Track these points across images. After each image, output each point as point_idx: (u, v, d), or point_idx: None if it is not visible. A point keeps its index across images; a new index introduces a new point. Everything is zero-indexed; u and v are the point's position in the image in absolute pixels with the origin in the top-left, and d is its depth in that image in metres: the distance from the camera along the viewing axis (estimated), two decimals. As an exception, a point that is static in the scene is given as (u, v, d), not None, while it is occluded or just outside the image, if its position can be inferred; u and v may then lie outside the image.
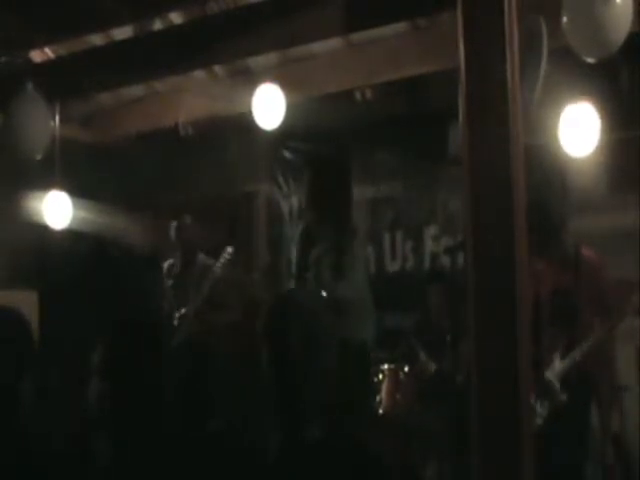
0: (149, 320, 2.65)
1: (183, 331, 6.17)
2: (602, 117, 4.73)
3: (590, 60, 3.87)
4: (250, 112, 5.50)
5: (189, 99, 6.82)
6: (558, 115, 4.71)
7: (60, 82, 5.36)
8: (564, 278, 5.25)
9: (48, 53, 5.80)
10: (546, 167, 5.54)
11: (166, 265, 6.62)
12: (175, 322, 6.31)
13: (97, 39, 5.67)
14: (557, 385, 5.05)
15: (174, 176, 7.74)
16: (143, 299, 6.64)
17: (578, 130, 4.67)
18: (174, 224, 6.57)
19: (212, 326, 6.21)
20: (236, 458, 2.61)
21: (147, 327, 2.61)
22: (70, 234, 6.39)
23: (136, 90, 6.91)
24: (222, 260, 6.35)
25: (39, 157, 5.25)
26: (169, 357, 2.62)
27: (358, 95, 6.32)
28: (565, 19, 3.80)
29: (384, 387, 5.90)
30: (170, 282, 6.55)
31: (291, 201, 7.76)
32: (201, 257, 6.51)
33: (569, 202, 5.86)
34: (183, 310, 6.31)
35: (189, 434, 2.73)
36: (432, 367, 6.03)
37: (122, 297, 6.51)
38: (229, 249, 6.39)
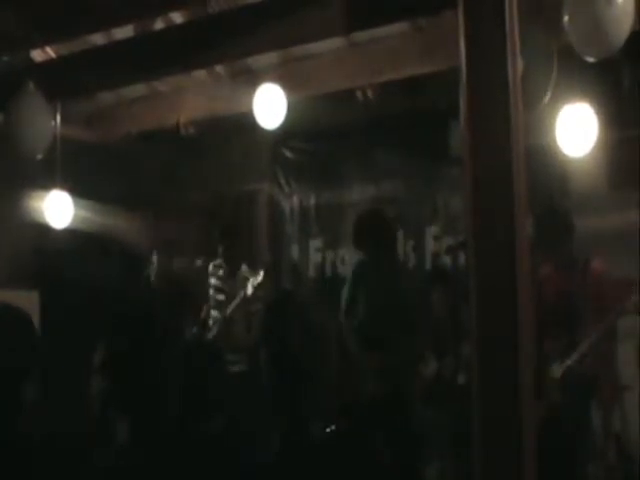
0: (151, 320, 2.65)
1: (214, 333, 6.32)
2: (601, 116, 4.73)
3: (591, 60, 3.87)
4: (251, 112, 5.51)
5: (190, 99, 6.82)
6: (557, 115, 4.71)
7: (61, 81, 5.35)
8: (570, 284, 5.27)
9: (49, 52, 5.80)
10: (547, 168, 5.55)
11: (211, 266, 6.65)
12: (210, 322, 6.48)
13: (98, 38, 5.67)
14: (556, 385, 5.07)
15: (175, 176, 7.74)
16: (145, 298, 6.63)
17: (577, 130, 4.68)
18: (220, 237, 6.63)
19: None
20: (238, 458, 2.61)
21: (149, 326, 2.61)
22: (71, 234, 6.39)
23: (137, 90, 6.91)
24: (254, 283, 6.38)
25: (40, 156, 5.25)
26: (172, 356, 2.62)
27: (359, 94, 6.32)
28: (566, 18, 3.80)
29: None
30: (212, 281, 6.60)
31: (292, 200, 7.76)
32: (244, 268, 6.57)
33: (575, 207, 5.86)
34: (215, 312, 6.40)
35: (191, 434, 2.74)
36: (434, 367, 6.03)
37: (123, 297, 6.51)
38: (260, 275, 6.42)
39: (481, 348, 2.88)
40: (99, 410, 2.55)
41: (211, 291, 6.61)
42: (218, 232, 6.71)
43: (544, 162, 5.46)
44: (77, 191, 6.19)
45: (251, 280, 6.34)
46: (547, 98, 3.92)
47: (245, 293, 6.32)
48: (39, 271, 6.87)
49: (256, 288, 6.31)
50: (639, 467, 5.26)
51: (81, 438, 2.70)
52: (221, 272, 6.61)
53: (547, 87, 3.96)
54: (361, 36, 5.86)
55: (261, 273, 6.37)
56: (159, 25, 5.59)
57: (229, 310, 6.38)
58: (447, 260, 6.83)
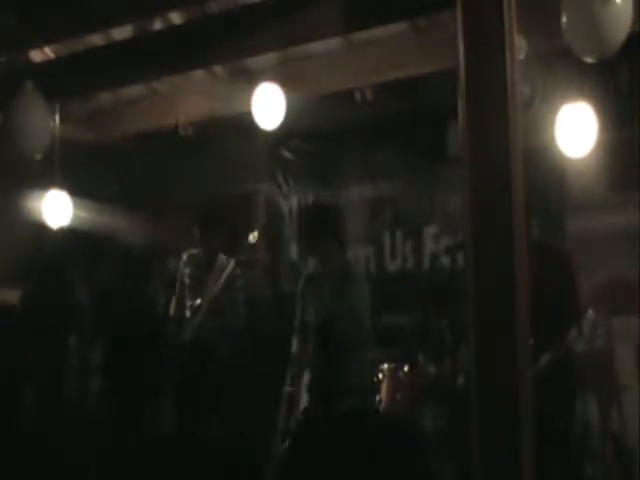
0: (150, 319, 2.66)
1: (195, 324, 6.16)
2: (600, 116, 4.74)
3: (589, 60, 3.87)
4: (250, 112, 5.50)
5: (189, 99, 6.82)
6: (556, 115, 4.72)
7: (60, 82, 5.36)
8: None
9: (48, 53, 5.80)
10: (546, 168, 5.55)
11: (185, 255, 6.40)
12: (187, 312, 6.24)
13: (97, 39, 5.67)
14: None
15: (174, 176, 7.74)
16: (143, 298, 6.64)
17: (576, 130, 4.68)
18: (199, 224, 6.48)
19: (222, 321, 6.15)
20: (234, 459, 2.62)
21: (148, 326, 2.61)
22: (70, 233, 6.39)
23: (136, 90, 6.91)
24: (241, 256, 6.25)
25: (39, 157, 5.26)
26: (171, 355, 2.63)
27: (358, 95, 6.32)
28: (564, 19, 3.81)
29: (384, 387, 5.89)
30: (187, 271, 6.36)
31: (291, 201, 7.76)
32: (221, 258, 6.45)
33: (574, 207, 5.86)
34: (198, 301, 6.25)
35: (190, 434, 2.74)
36: (432, 367, 6.03)
37: (122, 297, 6.52)
38: (251, 238, 6.28)
39: (479, 348, 2.88)
40: (98, 409, 2.55)
41: (187, 280, 6.38)
42: (195, 222, 6.53)
43: (543, 162, 5.46)
44: (76, 191, 6.19)
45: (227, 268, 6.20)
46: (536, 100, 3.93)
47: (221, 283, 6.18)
48: (38, 271, 6.87)
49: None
50: (638, 467, 5.27)
51: (79, 437, 2.71)
52: (197, 262, 6.33)
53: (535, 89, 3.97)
54: (360, 37, 5.86)
55: (232, 262, 6.25)
56: (158, 26, 5.59)
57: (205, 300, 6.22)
58: (446, 260, 6.84)
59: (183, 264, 6.39)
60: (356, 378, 4.84)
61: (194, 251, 6.40)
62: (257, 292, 6.63)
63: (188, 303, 6.28)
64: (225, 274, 6.19)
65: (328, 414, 3.37)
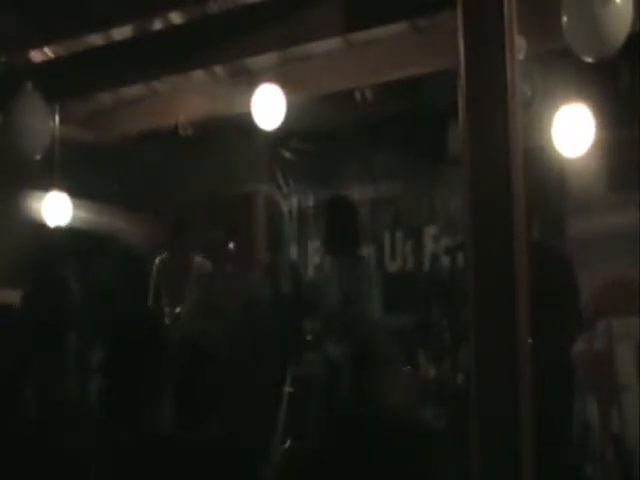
0: (148, 318, 2.66)
1: (177, 330, 6.08)
2: (600, 116, 4.74)
3: (589, 60, 3.87)
4: (250, 112, 5.51)
5: (189, 99, 6.82)
6: (556, 115, 4.72)
7: (60, 82, 5.36)
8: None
9: (48, 53, 5.81)
10: (546, 169, 5.55)
11: (158, 260, 6.38)
12: (167, 320, 6.16)
13: (97, 39, 5.67)
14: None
15: (173, 176, 7.74)
16: (140, 298, 6.63)
17: (575, 130, 4.68)
18: (172, 224, 6.45)
19: (207, 326, 6.11)
20: (231, 461, 2.62)
21: (147, 325, 2.61)
22: (70, 234, 6.39)
23: (136, 90, 6.92)
24: (220, 260, 6.23)
25: (39, 157, 5.26)
26: (168, 355, 2.63)
27: (358, 95, 6.33)
28: (565, 19, 3.80)
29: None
30: (162, 276, 6.33)
31: (291, 201, 7.76)
32: (197, 260, 6.39)
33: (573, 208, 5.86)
34: (177, 309, 6.20)
35: (187, 436, 2.74)
36: (432, 367, 6.03)
37: (122, 297, 6.51)
38: (230, 246, 6.27)
39: (479, 348, 2.88)
40: (99, 408, 2.55)
41: (162, 286, 6.32)
42: (170, 224, 6.49)
43: (543, 162, 5.46)
44: (76, 191, 6.19)
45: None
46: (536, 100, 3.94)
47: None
48: (37, 271, 6.87)
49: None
50: (638, 467, 5.26)
51: (78, 437, 2.71)
52: (170, 266, 6.29)
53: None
54: (360, 37, 5.86)
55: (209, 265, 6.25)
56: (157, 26, 5.59)
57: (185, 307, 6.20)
58: (446, 261, 6.83)
59: (156, 269, 6.35)
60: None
61: (165, 255, 6.36)
62: (253, 293, 6.62)
63: (166, 309, 6.24)
64: (205, 277, 6.18)
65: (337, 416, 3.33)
